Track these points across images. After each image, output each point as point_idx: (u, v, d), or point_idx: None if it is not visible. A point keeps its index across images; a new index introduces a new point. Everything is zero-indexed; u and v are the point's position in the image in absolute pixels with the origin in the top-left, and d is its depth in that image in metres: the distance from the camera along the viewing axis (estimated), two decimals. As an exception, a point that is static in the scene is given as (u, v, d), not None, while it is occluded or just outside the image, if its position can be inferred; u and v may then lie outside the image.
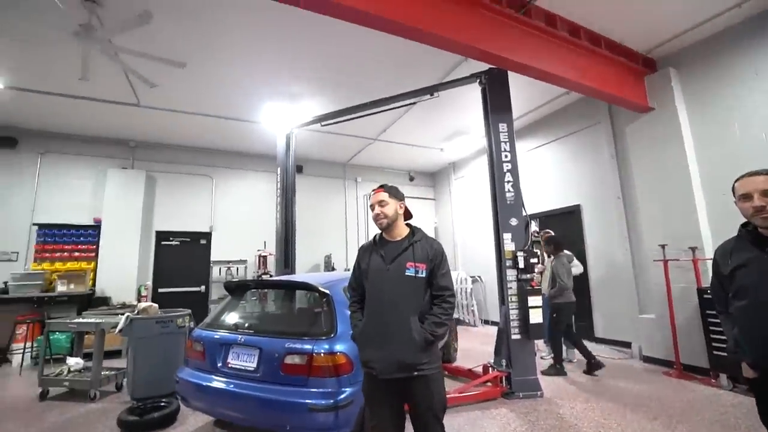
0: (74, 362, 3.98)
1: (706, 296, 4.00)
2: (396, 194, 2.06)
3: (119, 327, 3.55)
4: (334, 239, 8.93)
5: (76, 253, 6.53)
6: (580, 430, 3.02)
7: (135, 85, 5.02)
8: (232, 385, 2.49)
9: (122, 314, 3.77)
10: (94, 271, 6.50)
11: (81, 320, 4.29)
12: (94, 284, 6.42)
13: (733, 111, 4.29)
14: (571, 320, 4.84)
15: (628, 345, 5.31)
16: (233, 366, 2.59)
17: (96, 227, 6.67)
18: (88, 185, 6.89)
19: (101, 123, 6.44)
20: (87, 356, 4.09)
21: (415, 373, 1.80)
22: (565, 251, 5.00)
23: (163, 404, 3.24)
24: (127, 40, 3.77)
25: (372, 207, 2.04)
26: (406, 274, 1.89)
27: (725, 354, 3.75)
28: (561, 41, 4.13)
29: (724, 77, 4.38)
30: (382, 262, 1.96)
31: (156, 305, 3.94)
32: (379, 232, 2.10)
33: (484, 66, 4.22)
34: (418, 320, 1.85)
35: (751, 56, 4.16)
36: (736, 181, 1.59)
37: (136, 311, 3.77)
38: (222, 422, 3.13)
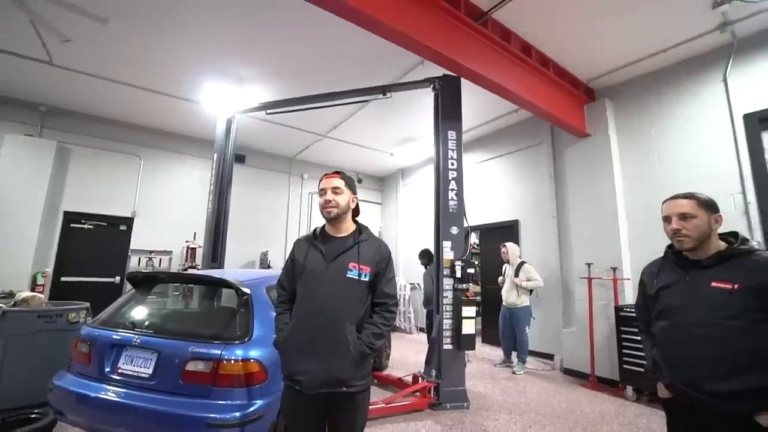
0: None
1: (622, 313, 4.27)
2: (351, 185, 1.85)
3: (-14, 320, 2.91)
4: (273, 236, 8.46)
5: (-51, 229, 5.45)
6: (501, 443, 3.01)
7: (45, 38, 4.29)
8: (118, 395, 2.09)
9: (-3, 305, 3.12)
10: (-28, 251, 5.46)
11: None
12: (-30, 267, 5.39)
13: (655, 145, 4.69)
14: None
15: (551, 357, 5.55)
16: (124, 372, 2.20)
17: (-19, 200, 5.63)
18: (-27, 150, 5.80)
19: (1, 79, 5.48)
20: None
21: (345, 389, 1.58)
22: (525, 264, 5.31)
23: (33, 416, 2.70)
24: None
25: (322, 192, 1.78)
26: (348, 275, 1.67)
27: (634, 368, 4.02)
28: (514, 57, 4.23)
29: (649, 113, 4.79)
30: (321, 259, 1.72)
31: (41, 296, 3.33)
32: (321, 225, 1.86)
33: (438, 72, 4.20)
34: (355, 330, 1.64)
35: (672, 97, 4.60)
36: (663, 202, 1.62)
37: (13, 302, 3.15)
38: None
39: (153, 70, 5.10)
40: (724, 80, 4.15)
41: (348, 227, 1.83)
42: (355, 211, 1.89)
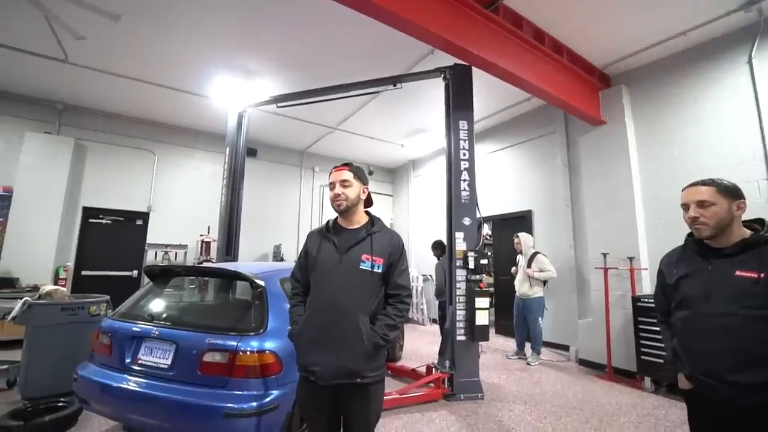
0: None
1: (639, 304, 4.19)
2: (361, 176, 1.82)
3: (13, 313, 3.00)
4: (285, 229, 8.53)
5: (-26, 225, 5.65)
6: (516, 433, 3.01)
7: (60, 36, 4.36)
8: (139, 385, 2.15)
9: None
10: (-1, 247, 5.66)
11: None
12: (-3, 262, 5.59)
13: (674, 133, 4.54)
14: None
15: (566, 348, 5.50)
16: (144, 363, 2.25)
17: (5, 197, 5.81)
18: (-3, 148, 5.97)
19: (20, 78, 5.60)
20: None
21: (358, 380, 1.59)
22: (539, 254, 5.24)
23: (60, 405, 2.79)
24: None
25: (332, 186, 1.77)
26: (361, 267, 1.66)
27: (652, 359, 3.95)
28: (526, 44, 4.13)
29: (668, 100, 4.63)
30: (334, 251, 1.71)
31: (63, 289, 3.42)
32: (333, 217, 1.85)
33: (449, 61, 4.13)
34: (368, 321, 1.63)
35: (692, 82, 4.43)
36: (682, 190, 1.57)
37: (37, 295, 3.25)
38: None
39: (163, 65, 5.15)
40: (749, 62, 3.97)
41: (360, 219, 1.82)
42: (368, 202, 1.87)
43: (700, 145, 4.30)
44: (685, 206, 1.51)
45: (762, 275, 1.30)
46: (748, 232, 1.43)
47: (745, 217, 1.48)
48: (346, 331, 1.60)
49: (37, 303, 3.12)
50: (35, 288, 5.29)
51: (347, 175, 1.77)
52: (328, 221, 1.86)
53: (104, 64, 5.14)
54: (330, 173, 1.83)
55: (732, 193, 1.44)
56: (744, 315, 1.32)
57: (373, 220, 1.83)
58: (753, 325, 1.30)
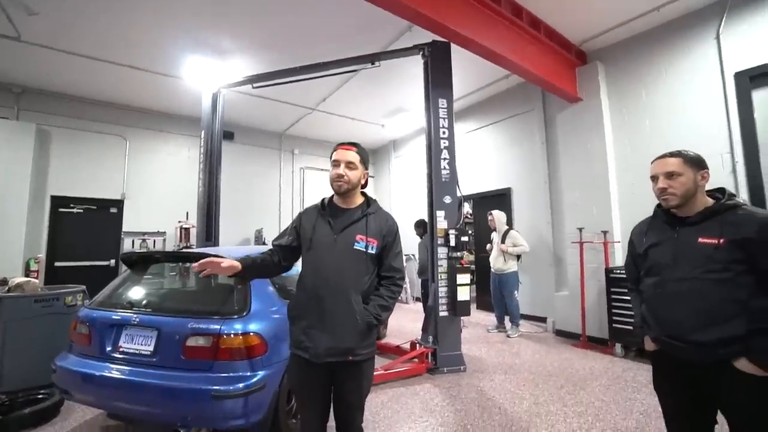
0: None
1: (612, 275, 4.39)
2: (366, 160, 1.79)
3: (-18, 307, 2.91)
4: (266, 213, 8.42)
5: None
6: (497, 400, 3.16)
7: (10, 12, 4.05)
8: (122, 373, 2.14)
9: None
10: (-38, 240, 5.39)
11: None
12: (-39, 256, 5.33)
13: (645, 107, 4.65)
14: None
15: (544, 320, 5.73)
16: (125, 350, 2.23)
17: (-36, 188, 5.49)
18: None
19: (-32, 59, 5.21)
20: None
21: (351, 358, 1.62)
22: (512, 231, 5.45)
23: (40, 397, 2.75)
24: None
25: (336, 164, 1.72)
26: (355, 247, 1.66)
27: (622, 326, 4.18)
28: (504, 20, 4.10)
29: (640, 75, 4.72)
30: (329, 230, 1.70)
31: (35, 281, 3.33)
32: (329, 196, 1.83)
33: (427, 38, 4.07)
34: (361, 300, 1.65)
35: (663, 58, 4.52)
36: (651, 162, 1.62)
37: (7, 288, 3.14)
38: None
39: (129, 43, 4.87)
40: (717, 38, 4.07)
41: (357, 200, 1.81)
42: (363, 184, 1.86)
43: (670, 119, 4.43)
44: (654, 178, 1.57)
45: (721, 241, 1.38)
46: (710, 201, 1.51)
47: (709, 188, 1.56)
48: (339, 309, 1.62)
49: (7, 296, 3.02)
50: (4, 281, 5.10)
51: (354, 156, 1.74)
52: (323, 199, 1.84)
53: (63, 43, 4.82)
54: (334, 149, 1.77)
55: (697, 163, 1.51)
56: (706, 279, 1.40)
57: (369, 201, 1.83)
58: (714, 288, 1.38)
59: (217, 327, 2.11)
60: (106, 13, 4.23)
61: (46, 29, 4.47)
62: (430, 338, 3.98)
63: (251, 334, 2.15)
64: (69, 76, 5.75)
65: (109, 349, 2.26)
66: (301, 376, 1.69)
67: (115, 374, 2.15)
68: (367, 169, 1.82)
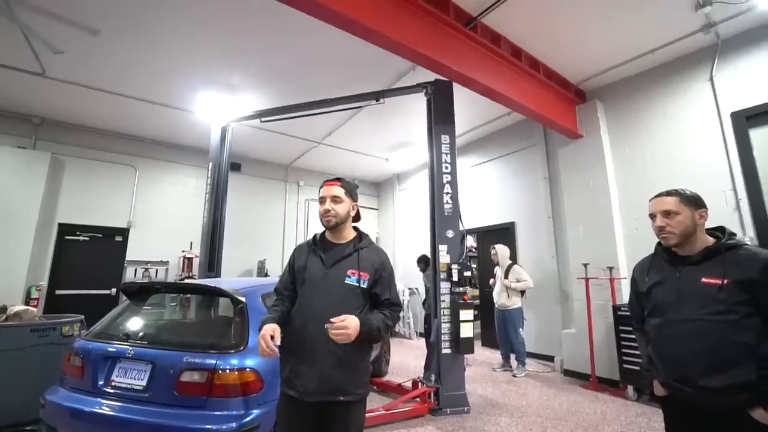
0: None
1: (620, 313, 4.27)
2: (352, 193, 1.81)
3: (-22, 336, 2.87)
4: (270, 244, 8.43)
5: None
6: (502, 446, 2.99)
7: (38, 50, 4.30)
8: (111, 409, 2.06)
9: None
10: (-35, 266, 5.40)
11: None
12: (-37, 283, 5.32)
13: (645, 143, 4.73)
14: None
15: (551, 359, 5.53)
16: (117, 384, 2.17)
17: (-26, 214, 5.58)
18: (-34, 163, 5.76)
19: (-6, 92, 5.48)
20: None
21: (341, 398, 1.57)
22: (515, 265, 5.36)
23: None
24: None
25: (322, 200, 1.75)
26: (346, 281, 1.66)
27: (634, 367, 4.01)
28: (504, 61, 4.27)
29: (639, 113, 4.83)
30: (320, 265, 1.71)
31: (34, 309, 3.29)
32: (321, 231, 1.84)
33: (431, 77, 4.23)
34: None
35: (661, 97, 4.65)
36: (649, 201, 1.63)
37: (5, 317, 3.11)
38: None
39: (145, 80, 5.11)
40: (711, 80, 4.20)
41: (348, 234, 1.81)
42: (356, 217, 1.88)
43: (670, 156, 4.48)
44: (653, 216, 1.58)
45: (725, 281, 1.36)
46: (711, 240, 1.50)
47: (714, 224, 1.55)
48: (330, 345, 1.57)
49: (4, 325, 2.99)
50: (2, 309, 5.06)
51: (338, 191, 1.76)
52: (315, 235, 1.85)
53: (83, 78, 5.07)
54: (321, 186, 1.81)
55: (694, 202, 1.51)
56: (711, 320, 1.36)
57: (361, 236, 1.84)
58: (718, 330, 1.35)
59: (213, 362, 2.06)
60: (124, 53, 4.47)
61: (69, 66, 4.71)
62: (433, 377, 3.84)
63: (247, 369, 2.09)
64: (86, 108, 5.99)
65: (101, 383, 2.20)
66: (290, 417, 1.63)
67: (105, 410, 2.08)
68: (355, 201, 1.83)
